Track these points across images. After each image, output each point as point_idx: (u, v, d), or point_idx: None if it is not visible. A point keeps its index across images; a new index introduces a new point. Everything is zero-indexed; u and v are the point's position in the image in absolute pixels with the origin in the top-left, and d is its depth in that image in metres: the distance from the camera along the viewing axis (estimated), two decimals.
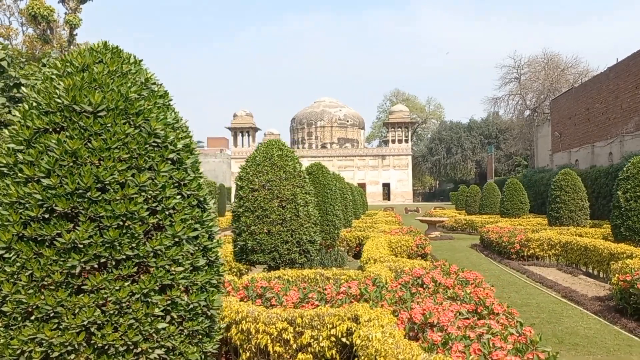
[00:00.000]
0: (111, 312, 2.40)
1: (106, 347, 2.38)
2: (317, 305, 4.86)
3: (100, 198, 2.47)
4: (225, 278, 6.24)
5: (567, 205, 16.51)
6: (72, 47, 24.76)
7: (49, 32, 23.96)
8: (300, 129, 63.35)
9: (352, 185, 30.28)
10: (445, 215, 30.32)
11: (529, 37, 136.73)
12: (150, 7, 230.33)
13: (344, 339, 4.12)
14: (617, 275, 7.22)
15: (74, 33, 24.57)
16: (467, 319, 4.60)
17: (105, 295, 2.41)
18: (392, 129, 58.65)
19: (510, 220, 21.58)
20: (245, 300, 5.15)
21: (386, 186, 58.11)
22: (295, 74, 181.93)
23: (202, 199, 2.86)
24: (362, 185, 57.65)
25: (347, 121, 62.64)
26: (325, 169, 12.99)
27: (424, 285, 5.97)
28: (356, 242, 14.19)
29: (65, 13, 24.92)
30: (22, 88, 13.89)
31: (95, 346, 2.38)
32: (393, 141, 58.56)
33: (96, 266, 2.43)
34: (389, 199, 57.33)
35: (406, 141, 58.45)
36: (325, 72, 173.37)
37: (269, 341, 4.22)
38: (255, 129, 60.94)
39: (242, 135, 59.82)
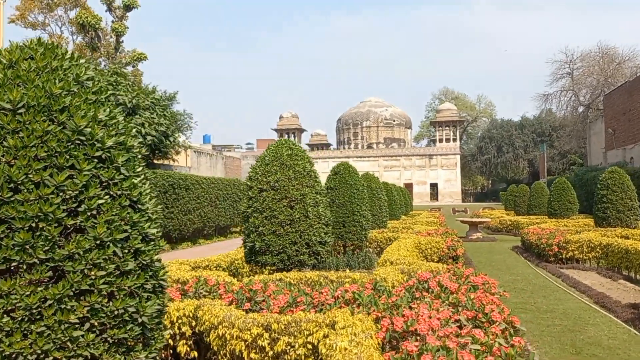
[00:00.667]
0: (19, 318, 2.30)
1: (14, 356, 2.28)
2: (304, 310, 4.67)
3: (12, 199, 2.37)
4: (224, 280, 6.14)
5: (614, 205, 15.58)
6: (118, 53, 25.58)
7: (96, 40, 24.81)
8: (346, 130, 63.12)
9: (392, 185, 29.82)
10: (492, 215, 29.40)
11: (582, 30, 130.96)
12: (196, 12, 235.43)
13: (320, 346, 3.91)
14: None
15: (120, 40, 25.32)
16: (460, 327, 4.30)
17: (14, 301, 2.31)
18: (440, 128, 57.55)
19: (557, 221, 20.64)
20: (234, 303, 5.01)
21: (434, 186, 57.06)
22: (343, 75, 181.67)
23: (135, 199, 2.72)
24: (409, 186, 56.87)
25: (394, 121, 61.94)
26: (352, 168, 12.72)
27: (430, 290, 5.66)
28: (387, 243, 13.84)
29: (112, 21, 25.74)
30: None
31: (3, 354, 2.28)
32: (440, 140, 57.45)
33: (5, 269, 2.33)
34: (437, 199, 56.25)
35: (454, 140, 57.21)
36: (373, 72, 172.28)
37: (244, 347, 4.06)
38: (301, 130, 61.17)
39: (288, 136, 60.16)
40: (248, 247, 7.29)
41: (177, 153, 19.50)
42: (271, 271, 7.39)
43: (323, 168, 58.12)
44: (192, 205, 18.91)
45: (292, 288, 6.05)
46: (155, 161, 18.69)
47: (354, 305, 4.85)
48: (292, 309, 4.72)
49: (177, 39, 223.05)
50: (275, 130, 59.28)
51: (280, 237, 7.09)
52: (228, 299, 5.04)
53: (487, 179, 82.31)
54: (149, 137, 15.35)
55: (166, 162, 20.02)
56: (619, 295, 8.37)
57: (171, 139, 16.83)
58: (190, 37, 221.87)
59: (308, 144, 70.66)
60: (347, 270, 7.10)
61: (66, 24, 27.73)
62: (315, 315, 4.10)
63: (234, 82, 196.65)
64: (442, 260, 12.27)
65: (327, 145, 68.65)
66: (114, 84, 15.15)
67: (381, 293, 5.44)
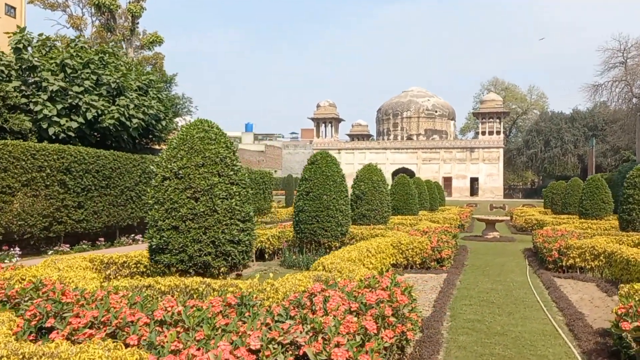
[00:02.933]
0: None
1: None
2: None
3: None
4: (77, 285, 5.26)
5: None
6: (134, 36, 25.28)
7: (112, 21, 24.56)
8: (386, 120, 61.49)
9: (417, 178, 28.39)
10: (524, 213, 27.51)
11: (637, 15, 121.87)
12: (244, 4, 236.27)
13: None
14: (621, 302, 5.35)
15: (136, 22, 24.97)
16: None
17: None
18: (483, 120, 55.05)
19: (586, 221, 18.86)
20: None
21: (474, 181, 54.75)
22: (388, 65, 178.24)
23: None
24: (448, 180, 54.84)
25: (436, 112, 59.78)
26: (330, 158, 11.62)
27: (312, 308, 4.60)
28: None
29: (129, 2, 25.41)
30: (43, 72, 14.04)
31: None
32: (484, 133, 54.96)
33: None
34: (477, 195, 53.97)
35: (497, 133, 54.59)
36: (421, 63, 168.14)
37: None
38: (339, 120, 59.98)
39: (325, 126, 59.17)
40: (148, 244, 6.41)
41: None
42: (182, 273, 6.49)
43: (360, 159, 56.88)
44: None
45: (161, 298, 5.15)
46: (155, 146, 18.13)
47: (179, 325, 3.87)
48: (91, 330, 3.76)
49: (226, 30, 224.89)
50: (312, 119, 58.31)
51: (181, 234, 6.17)
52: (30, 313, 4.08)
53: (537, 174, 78.71)
54: (135, 120, 14.72)
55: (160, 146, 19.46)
56: (600, 316, 7.00)
57: (163, 122, 16.17)
58: (237, 29, 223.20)
59: (348, 134, 69.45)
60: (238, 279, 6.09)
61: (87, 6, 27.66)
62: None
63: (282, 74, 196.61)
64: (423, 263, 11.07)
65: (367, 136, 67.22)
66: (97, 62, 14.58)
67: (247, 308, 4.47)
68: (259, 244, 12.36)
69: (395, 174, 53.79)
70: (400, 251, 10.79)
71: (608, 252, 9.59)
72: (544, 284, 9.41)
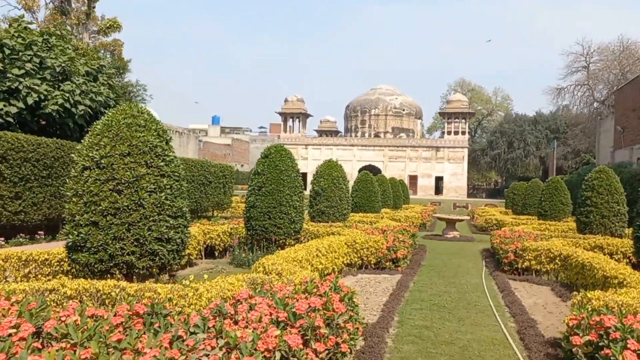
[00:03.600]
0: None
1: None
2: None
3: None
4: None
5: (598, 209, 13.75)
6: (89, 20, 24.21)
7: (66, 4, 23.44)
8: (354, 117, 61.24)
9: (383, 176, 28.14)
10: (485, 213, 27.55)
11: (602, 22, 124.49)
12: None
13: None
14: (572, 312, 5.02)
15: (92, 6, 23.93)
16: None
17: None
18: (449, 120, 55.32)
19: (544, 222, 18.84)
20: None
21: (439, 180, 55.02)
22: (359, 63, 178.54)
23: None
24: (414, 178, 54.98)
25: (403, 110, 59.83)
26: (285, 152, 11.10)
27: (236, 318, 4.09)
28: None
29: None
30: None
31: None
32: (449, 132, 55.25)
33: None
34: (441, 193, 54.25)
35: (463, 133, 54.94)
36: (391, 61, 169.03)
37: None
38: (307, 115, 59.44)
39: (293, 121, 58.56)
40: (65, 242, 5.78)
41: None
42: (104, 274, 5.89)
43: (327, 155, 56.42)
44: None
45: (65, 303, 4.57)
46: None
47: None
48: None
49: (199, 20, 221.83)
50: (280, 113, 57.58)
51: (101, 230, 5.56)
52: None
53: (500, 175, 79.87)
54: (81, 107, 13.89)
55: None
56: (553, 324, 6.69)
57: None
58: (210, 19, 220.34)
59: (317, 130, 68.99)
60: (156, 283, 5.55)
61: None
62: None
63: (252, 68, 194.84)
64: (380, 263, 10.67)
65: (336, 133, 66.89)
66: (41, 45, 13.69)
67: (159, 318, 3.93)
68: (208, 241, 11.77)
69: (361, 171, 53.60)
70: (355, 250, 10.37)
71: (564, 256, 9.35)
72: (499, 287, 9.12)
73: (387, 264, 10.60)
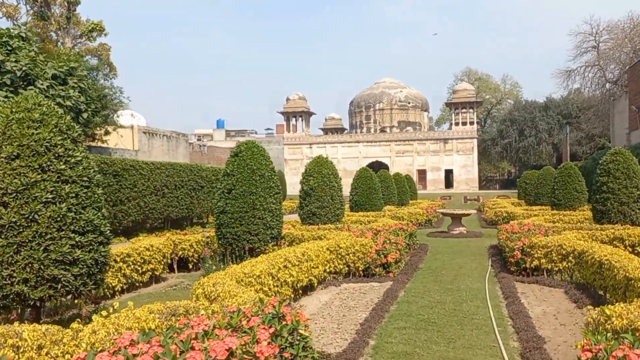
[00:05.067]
0: None
1: None
2: None
3: None
4: None
5: (616, 195, 12.42)
6: (70, 24, 23.23)
7: (46, 9, 22.48)
8: (358, 113, 59.90)
9: (384, 172, 26.89)
10: (496, 205, 26.17)
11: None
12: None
13: None
14: (586, 336, 3.77)
15: (73, 9, 22.92)
16: None
17: None
18: (456, 110, 53.78)
19: (558, 212, 17.50)
20: None
21: (449, 173, 53.51)
22: (363, 58, 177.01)
23: None
24: (422, 172, 53.57)
25: (409, 103, 58.38)
26: (257, 149, 9.92)
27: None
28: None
29: None
30: None
31: None
32: (457, 123, 53.71)
33: None
34: (451, 187, 52.75)
35: (471, 123, 53.34)
36: (397, 55, 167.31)
37: None
38: (310, 113, 58.21)
39: (296, 120, 57.38)
40: None
41: (107, 133, 16.94)
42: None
43: (332, 153, 55.30)
44: (125, 194, 16.50)
45: None
46: (91, 144, 16.22)
47: None
48: None
49: (195, 24, 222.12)
50: (282, 113, 56.37)
51: None
52: None
53: (513, 165, 78.02)
54: None
55: (100, 143, 17.53)
56: (566, 341, 5.43)
57: (85, 115, 14.25)
58: (208, 23, 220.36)
59: (322, 129, 67.79)
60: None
61: None
62: None
63: (256, 70, 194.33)
64: (369, 269, 9.44)
65: (341, 130, 65.60)
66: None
67: None
68: (180, 252, 10.65)
69: (370, 168, 52.32)
70: (340, 256, 9.16)
71: (578, 252, 8.07)
72: (503, 292, 7.86)
73: (377, 269, 9.38)
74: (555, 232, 10.60)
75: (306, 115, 57.61)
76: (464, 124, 53.23)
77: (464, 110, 53.28)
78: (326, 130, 65.98)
